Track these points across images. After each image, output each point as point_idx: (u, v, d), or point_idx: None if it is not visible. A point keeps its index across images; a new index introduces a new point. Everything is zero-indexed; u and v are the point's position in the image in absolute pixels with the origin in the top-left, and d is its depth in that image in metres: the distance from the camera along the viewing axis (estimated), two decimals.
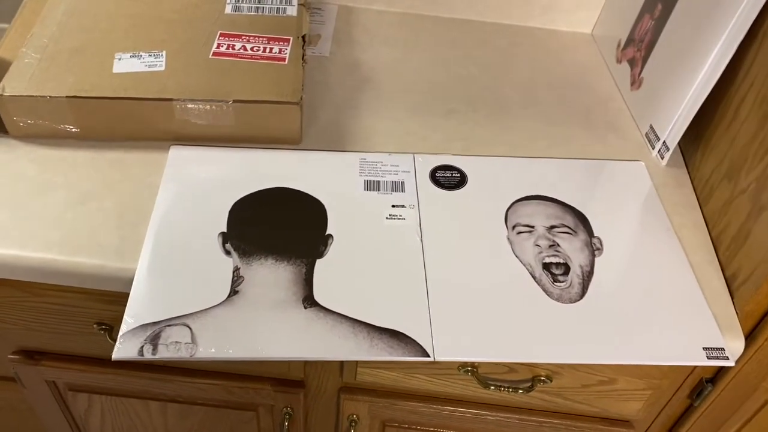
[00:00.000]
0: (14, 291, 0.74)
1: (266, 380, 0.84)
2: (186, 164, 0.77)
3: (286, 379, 0.84)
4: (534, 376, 0.76)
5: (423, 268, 0.69)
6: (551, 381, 0.76)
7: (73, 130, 0.77)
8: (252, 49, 0.82)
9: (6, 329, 0.80)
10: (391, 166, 0.79)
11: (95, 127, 0.78)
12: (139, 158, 0.77)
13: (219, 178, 0.76)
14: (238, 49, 0.82)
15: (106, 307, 0.75)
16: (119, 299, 0.72)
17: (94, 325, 0.77)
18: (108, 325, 0.77)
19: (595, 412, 0.82)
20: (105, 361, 0.84)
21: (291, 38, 0.84)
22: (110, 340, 0.76)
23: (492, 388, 0.76)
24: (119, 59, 0.79)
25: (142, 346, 0.60)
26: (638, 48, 0.90)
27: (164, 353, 0.60)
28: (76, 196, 0.72)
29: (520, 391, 0.76)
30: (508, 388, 0.76)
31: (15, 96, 0.74)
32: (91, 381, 0.87)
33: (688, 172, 0.84)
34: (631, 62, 0.92)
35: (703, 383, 0.75)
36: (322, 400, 0.86)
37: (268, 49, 0.82)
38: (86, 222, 0.70)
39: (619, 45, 0.96)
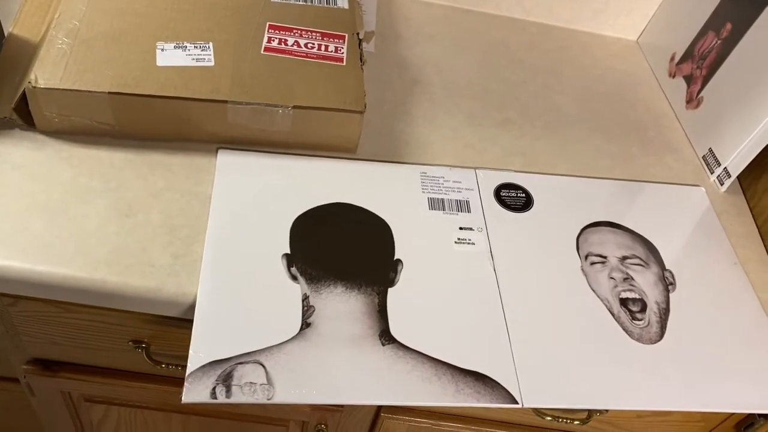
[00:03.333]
0: (45, 306, 0.67)
1: None
2: (237, 172, 0.70)
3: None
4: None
5: (500, 301, 0.65)
6: (607, 411, 0.74)
7: (111, 126, 0.70)
8: (306, 45, 0.75)
9: (26, 342, 0.73)
10: (454, 182, 0.75)
11: (135, 125, 0.70)
12: (184, 162, 0.71)
13: (274, 189, 0.70)
14: (291, 45, 0.75)
15: (145, 326, 0.69)
16: (160, 319, 0.67)
17: (130, 342, 0.71)
18: (144, 343, 0.71)
19: None
20: (130, 374, 0.78)
21: (346, 35, 0.78)
22: (147, 359, 0.70)
23: (548, 418, 0.74)
24: (162, 50, 0.71)
25: (214, 388, 0.55)
26: (698, 65, 0.87)
27: (239, 396, 0.55)
28: (119, 205, 0.65)
29: (576, 422, 0.74)
30: (565, 419, 0.74)
31: (50, 89, 0.66)
32: (110, 393, 0.81)
33: (746, 200, 0.82)
34: (688, 79, 0.89)
35: (755, 417, 0.75)
36: (358, 417, 0.83)
37: (323, 47, 0.75)
38: (134, 237, 0.63)
39: (672, 58, 0.93)
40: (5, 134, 0.69)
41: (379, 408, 0.80)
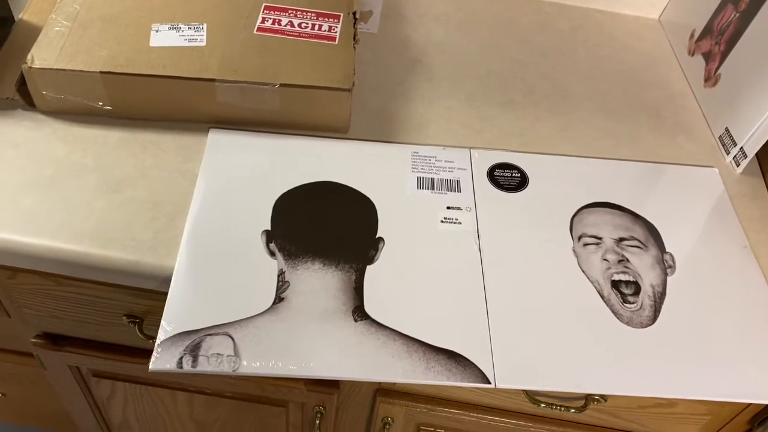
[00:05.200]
0: (39, 279, 0.69)
1: (301, 379, 0.79)
2: (226, 151, 0.71)
3: (322, 379, 0.79)
4: (588, 395, 0.71)
5: (482, 281, 0.63)
6: (606, 401, 0.71)
7: (105, 107, 0.71)
8: (300, 25, 0.75)
9: (29, 314, 0.76)
10: (446, 161, 0.73)
11: (129, 105, 0.72)
12: (175, 141, 0.72)
13: (261, 167, 0.70)
14: (285, 25, 0.75)
15: (136, 300, 0.70)
16: (150, 293, 0.68)
17: (123, 317, 0.72)
18: (138, 318, 0.72)
19: None
20: (132, 350, 0.80)
21: (341, 15, 0.77)
22: (140, 334, 0.72)
23: (543, 405, 0.71)
24: (156, 31, 0.72)
25: (181, 357, 0.55)
26: (716, 41, 0.82)
27: (205, 366, 0.55)
28: (108, 182, 0.67)
29: (573, 410, 0.71)
30: (560, 406, 0.71)
31: (44, 69, 0.68)
32: (116, 368, 0.83)
33: (765, 182, 0.77)
34: (707, 56, 0.84)
35: None
36: (356, 400, 0.82)
37: (317, 26, 0.75)
38: (119, 212, 0.65)
39: (692, 35, 0.88)
40: (7, 114, 0.72)
41: (376, 391, 0.79)
